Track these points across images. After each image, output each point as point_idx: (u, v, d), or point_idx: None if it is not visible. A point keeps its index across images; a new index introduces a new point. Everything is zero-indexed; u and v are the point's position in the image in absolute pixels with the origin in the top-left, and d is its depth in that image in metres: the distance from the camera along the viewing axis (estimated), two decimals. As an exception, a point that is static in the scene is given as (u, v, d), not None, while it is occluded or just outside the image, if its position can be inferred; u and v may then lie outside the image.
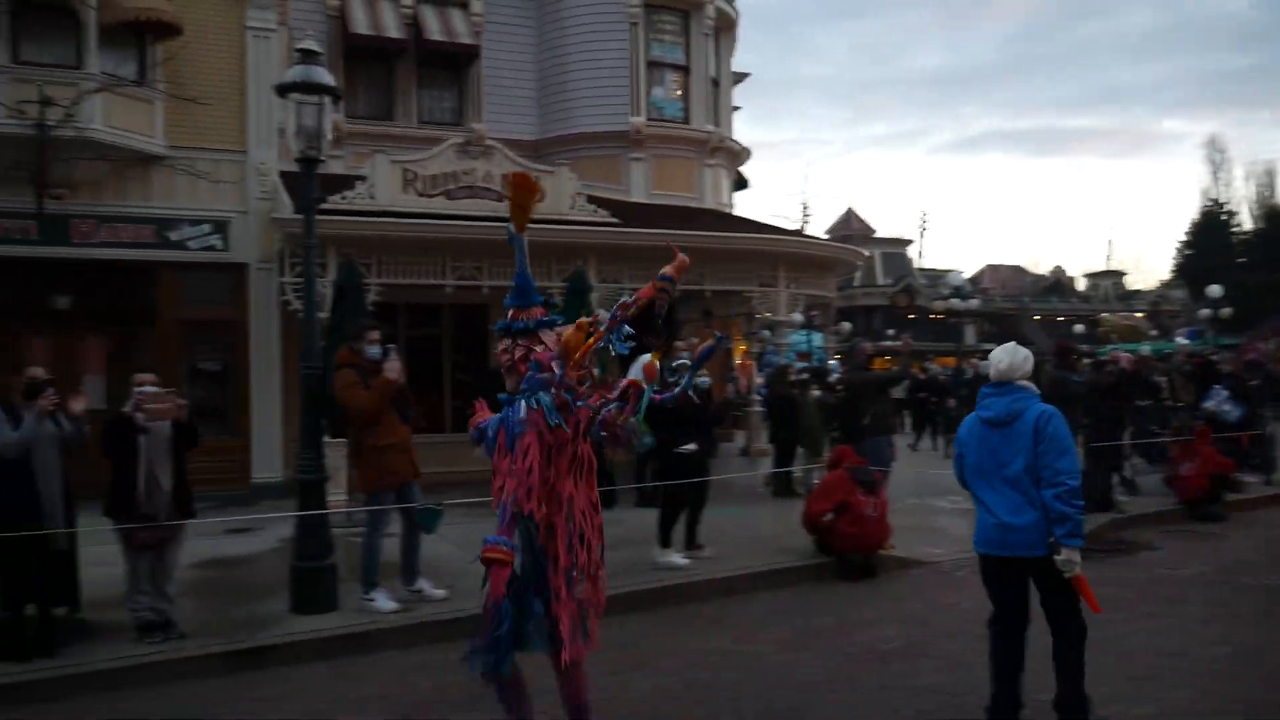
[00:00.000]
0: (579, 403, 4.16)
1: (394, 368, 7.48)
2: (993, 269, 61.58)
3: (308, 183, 7.80)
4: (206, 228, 13.59)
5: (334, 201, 11.72)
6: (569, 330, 4.18)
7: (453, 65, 16.11)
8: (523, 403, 4.18)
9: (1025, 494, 4.73)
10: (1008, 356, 4.98)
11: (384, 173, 12.77)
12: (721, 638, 7.00)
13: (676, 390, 4.71)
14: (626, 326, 4.15)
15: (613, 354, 4.26)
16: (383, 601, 7.37)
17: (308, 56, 7.81)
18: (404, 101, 15.87)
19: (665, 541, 8.81)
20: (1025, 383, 4.95)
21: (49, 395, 6.60)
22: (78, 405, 6.88)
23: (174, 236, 13.45)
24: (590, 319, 4.25)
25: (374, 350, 7.66)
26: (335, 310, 10.79)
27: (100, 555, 7.05)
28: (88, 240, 13.03)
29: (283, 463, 13.72)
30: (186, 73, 12.96)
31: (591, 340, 4.13)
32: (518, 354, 4.30)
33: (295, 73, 7.74)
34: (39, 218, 12.30)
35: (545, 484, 4.14)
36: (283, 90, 7.83)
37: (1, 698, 5.84)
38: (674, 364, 5.52)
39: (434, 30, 15.31)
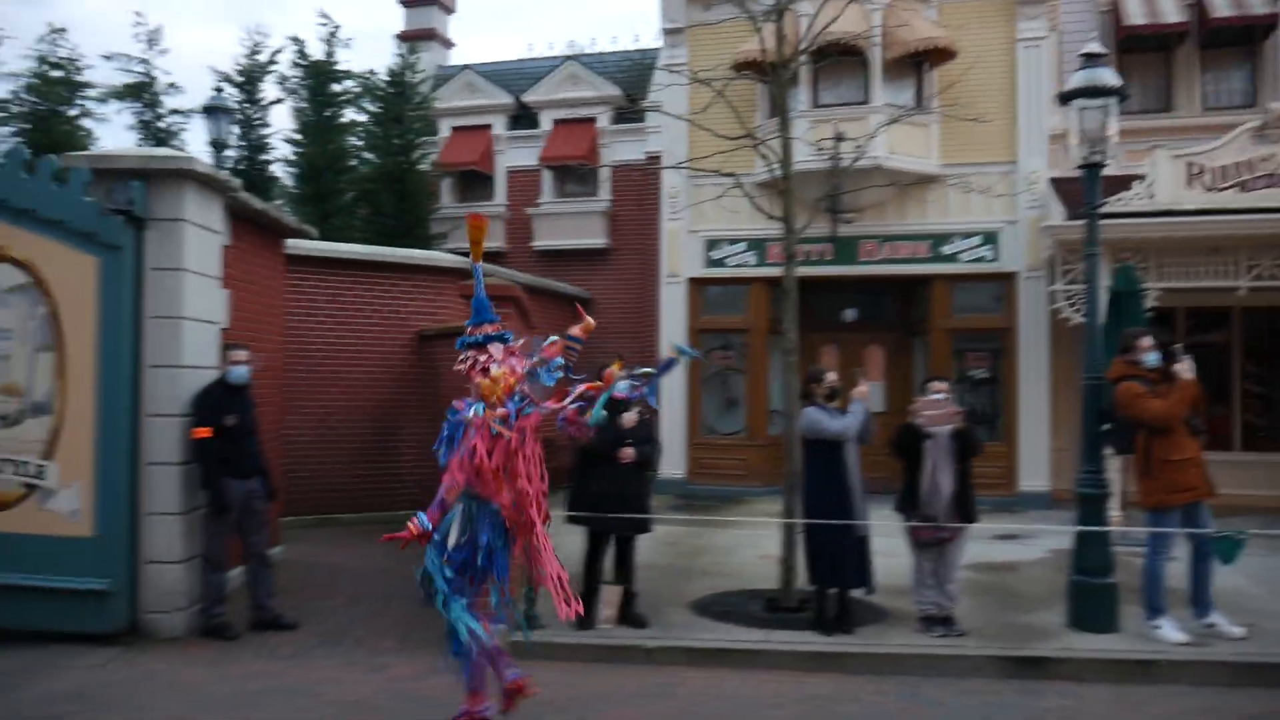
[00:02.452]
0: (528, 409, 4.99)
1: (1187, 368, 6.94)
2: None
3: (1090, 189, 7.60)
4: (977, 239, 14.09)
5: (1109, 204, 11.24)
6: (484, 379, 4.98)
7: (1244, 40, 14.36)
8: (471, 411, 4.98)
9: None
10: None
11: (1164, 169, 11.88)
12: None
13: (642, 392, 5.32)
14: (560, 360, 5.01)
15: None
16: (1170, 631, 6.86)
17: (1091, 60, 7.60)
18: (1183, 89, 14.58)
19: None
20: None
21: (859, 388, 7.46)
22: (863, 389, 7.51)
23: (946, 250, 14.20)
24: (502, 372, 4.99)
25: (1151, 357, 7.17)
26: (1110, 318, 10.35)
27: (891, 547, 7.70)
28: (871, 258, 14.43)
29: (1049, 472, 13.58)
30: (959, 92, 13.53)
31: (509, 384, 4.95)
32: (468, 365, 5.08)
33: (1080, 78, 7.58)
34: (834, 240, 13.95)
35: (487, 477, 4.91)
36: (1066, 97, 7.71)
37: (810, 663, 6.72)
38: (635, 371, 5.45)
39: (1221, 7, 13.82)
